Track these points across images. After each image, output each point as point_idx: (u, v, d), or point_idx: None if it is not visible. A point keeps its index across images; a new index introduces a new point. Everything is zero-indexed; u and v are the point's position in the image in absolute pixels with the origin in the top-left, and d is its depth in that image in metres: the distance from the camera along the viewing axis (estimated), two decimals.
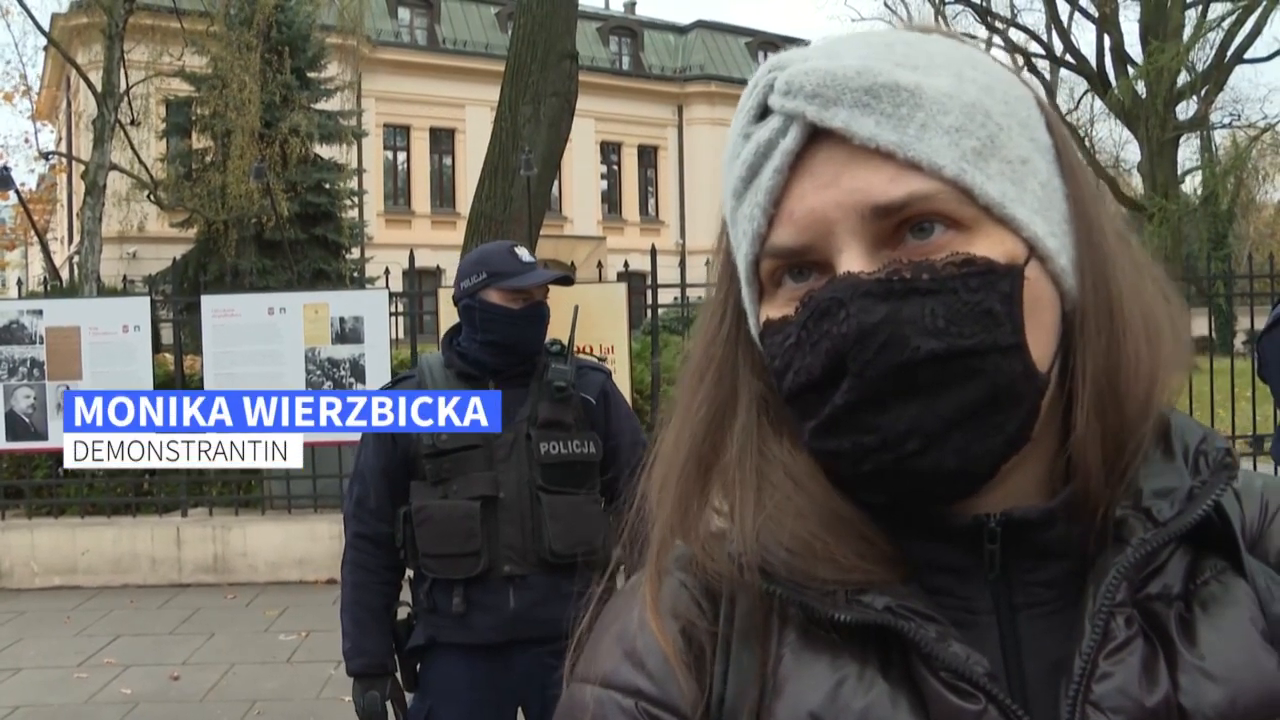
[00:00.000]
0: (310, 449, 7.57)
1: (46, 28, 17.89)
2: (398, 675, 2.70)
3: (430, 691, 2.64)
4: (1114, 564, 0.63)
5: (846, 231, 0.63)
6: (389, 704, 2.66)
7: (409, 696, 2.71)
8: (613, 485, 2.71)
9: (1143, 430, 0.67)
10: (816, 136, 0.65)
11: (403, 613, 2.73)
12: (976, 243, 0.63)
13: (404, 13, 31.72)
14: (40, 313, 7.56)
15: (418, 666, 2.69)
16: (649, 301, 8.18)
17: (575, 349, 2.82)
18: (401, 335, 8.32)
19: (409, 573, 2.71)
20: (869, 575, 0.65)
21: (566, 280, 2.86)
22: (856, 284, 0.62)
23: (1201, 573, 0.66)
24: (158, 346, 8.19)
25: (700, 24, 37.10)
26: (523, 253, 2.66)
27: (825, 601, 0.65)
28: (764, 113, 0.67)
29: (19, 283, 9.82)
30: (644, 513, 0.75)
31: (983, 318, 0.62)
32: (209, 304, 7.42)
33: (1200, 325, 11.57)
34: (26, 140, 42.73)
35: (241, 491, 8.10)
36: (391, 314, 7.67)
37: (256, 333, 7.31)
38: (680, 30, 37.19)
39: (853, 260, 0.63)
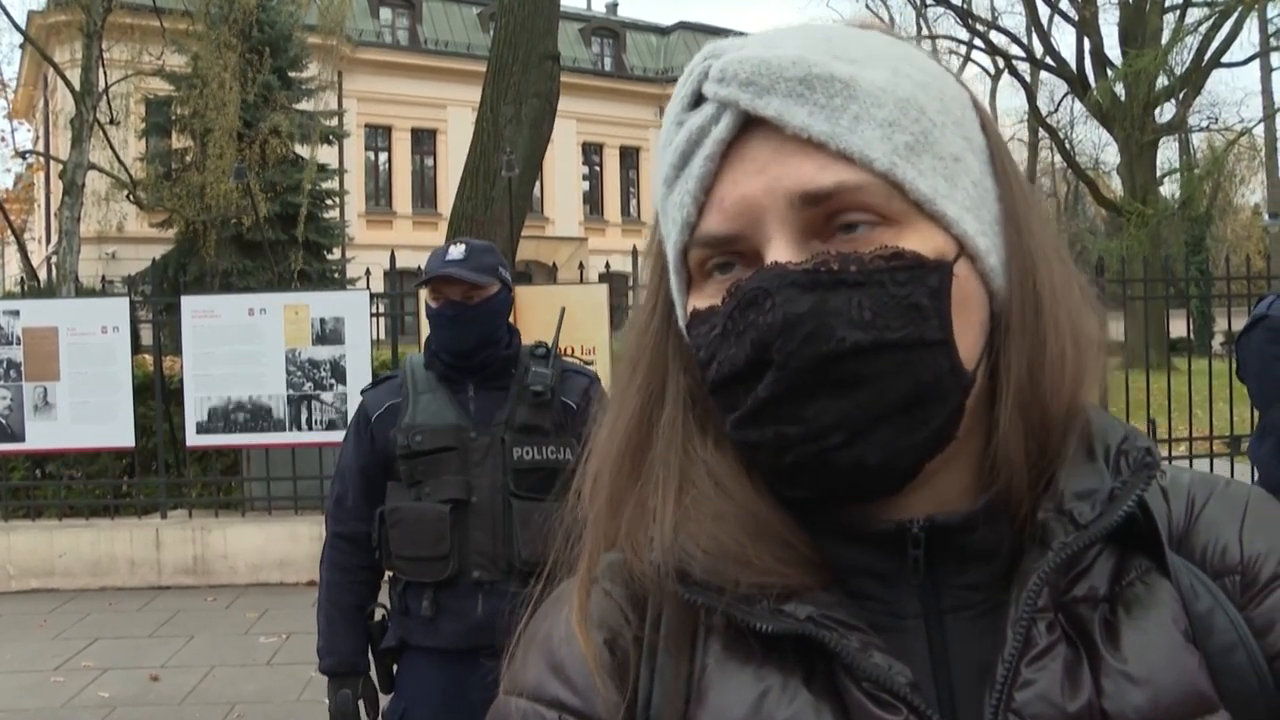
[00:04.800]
0: (291, 450, 7.54)
1: (23, 25, 17.75)
2: (372, 675, 2.70)
3: (405, 694, 2.63)
4: (1035, 569, 0.63)
5: (775, 219, 0.63)
6: (360, 703, 2.65)
7: (384, 698, 2.69)
8: None
9: (1066, 429, 0.66)
10: (749, 125, 0.64)
11: (380, 613, 2.72)
12: (905, 238, 0.63)
13: (385, 13, 31.61)
14: (17, 313, 7.49)
15: (394, 668, 2.67)
16: (630, 302, 8.19)
17: (559, 351, 2.77)
18: (382, 336, 8.29)
19: (388, 573, 2.69)
20: (787, 580, 0.64)
21: (445, 279, 2.55)
22: (783, 274, 0.61)
23: (1127, 573, 0.65)
24: (137, 347, 8.12)
25: (682, 25, 37.11)
26: (449, 250, 2.54)
27: (748, 611, 0.64)
28: (698, 100, 0.66)
29: None
30: (578, 509, 0.75)
31: (910, 311, 0.61)
32: (189, 305, 7.38)
33: (1179, 327, 11.66)
34: (3, 139, 42.62)
35: (221, 493, 8.06)
36: (372, 315, 7.64)
37: (237, 333, 7.27)
38: (662, 31, 37.20)
39: (780, 250, 0.62)
